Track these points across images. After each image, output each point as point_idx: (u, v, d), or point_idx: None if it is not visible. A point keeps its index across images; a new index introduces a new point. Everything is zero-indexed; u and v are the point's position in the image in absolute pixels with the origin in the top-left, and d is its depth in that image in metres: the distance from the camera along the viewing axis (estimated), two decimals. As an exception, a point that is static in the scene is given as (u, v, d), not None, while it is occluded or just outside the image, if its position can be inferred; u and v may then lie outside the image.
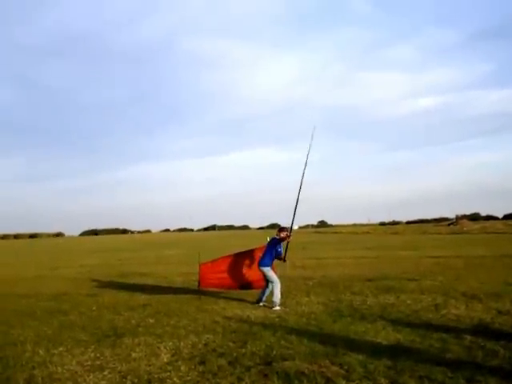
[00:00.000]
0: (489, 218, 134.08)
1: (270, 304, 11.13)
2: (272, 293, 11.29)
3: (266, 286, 11.71)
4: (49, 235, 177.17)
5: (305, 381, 5.75)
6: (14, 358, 7.32)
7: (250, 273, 12.44)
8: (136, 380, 6.10)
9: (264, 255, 11.73)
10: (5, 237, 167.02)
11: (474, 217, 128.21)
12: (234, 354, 7.05)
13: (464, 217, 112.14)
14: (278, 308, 10.88)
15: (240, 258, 12.73)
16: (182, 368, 6.53)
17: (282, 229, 12.05)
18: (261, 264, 11.62)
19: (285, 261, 12.09)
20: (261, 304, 11.48)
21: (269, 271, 11.53)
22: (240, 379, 5.95)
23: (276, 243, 11.78)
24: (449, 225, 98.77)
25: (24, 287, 16.98)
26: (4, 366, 6.96)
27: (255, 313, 10.45)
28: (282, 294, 11.27)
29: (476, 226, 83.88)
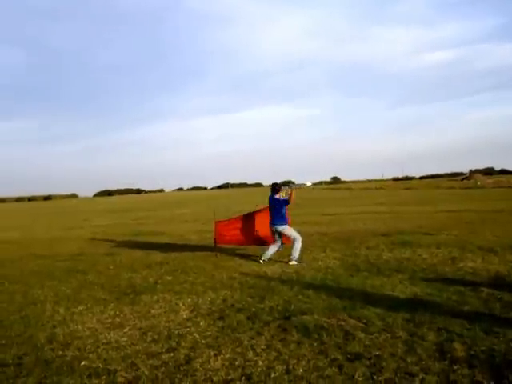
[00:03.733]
0: (503, 172, 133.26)
1: (287, 259, 11.17)
2: (292, 247, 11.25)
3: (275, 243, 11.68)
4: (63, 197, 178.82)
5: (324, 334, 5.77)
6: (34, 318, 7.41)
7: (266, 229, 12.41)
8: (156, 336, 6.16)
9: (276, 215, 11.62)
10: (19, 199, 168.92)
11: (488, 171, 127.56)
12: (253, 309, 7.10)
13: (478, 171, 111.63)
14: (294, 262, 10.90)
15: (256, 215, 12.70)
16: (202, 324, 6.59)
17: (278, 188, 11.84)
18: (276, 223, 11.57)
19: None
20: (261, 261, 11.35)
21: (286, 229, 11.48)
22: (259, 334, 5.99)
23: (280, 201, 11.65)
24: (462, 179, 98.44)
25: (40, 248, 17.12)
26: (25, 325, 7.04)
27: (272, 268, 10.49)
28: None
29: (490, 180, 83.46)
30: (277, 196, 11.70)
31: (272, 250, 11.63)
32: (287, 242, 11.86)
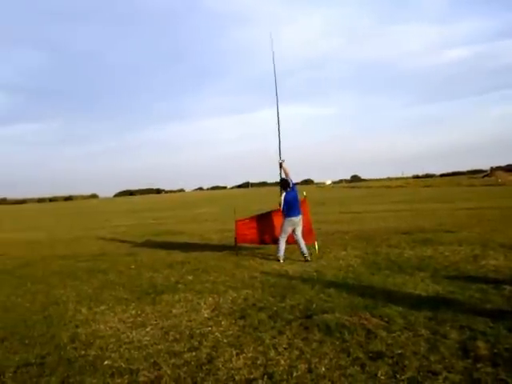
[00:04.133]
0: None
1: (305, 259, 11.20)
2: (301, 246, 11.40)
3: (281, 238, 11.66)
4: (84, 197, 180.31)
5: (346, 333, 5.75)
6: (57, 317, 7.47)
7: None
8: (178, 335, 6.18)
9: (298, 206, 11.68)
10: (41, 200, 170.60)
11: (510, 168, 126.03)
12: (274, 308, 7.08)
13: (499, 168, 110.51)
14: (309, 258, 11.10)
15: (275, 214, 12.67)
16: (223, 323, 6.59)
17: (288, 183, 11.85)
18: (299, 214, 11.60)
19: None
20: (280, 261, 11.38)
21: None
22: (281, 332, 5.98)
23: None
24: (483, 177, 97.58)
25: (62, 249, 17.29)
26: (48, 324, 7.10)
27: (293, 267, 10.47)
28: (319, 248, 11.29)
29: (511, 177, 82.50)
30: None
31: (282, 245, 11.60)
32: (292, 241, 11.84)
